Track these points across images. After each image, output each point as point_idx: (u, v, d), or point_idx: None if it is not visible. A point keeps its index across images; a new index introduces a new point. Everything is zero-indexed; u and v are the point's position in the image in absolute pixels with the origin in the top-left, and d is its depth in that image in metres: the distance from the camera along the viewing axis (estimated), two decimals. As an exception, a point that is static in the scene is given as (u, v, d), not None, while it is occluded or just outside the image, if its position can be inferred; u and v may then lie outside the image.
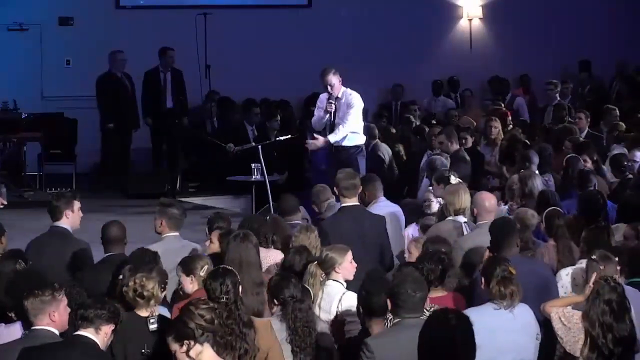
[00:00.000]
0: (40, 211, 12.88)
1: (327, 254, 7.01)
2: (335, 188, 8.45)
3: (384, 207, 9.21)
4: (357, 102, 11.04)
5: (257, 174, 10.88)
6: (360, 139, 11.12)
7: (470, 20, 18.35)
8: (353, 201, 8.24)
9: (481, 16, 18.34)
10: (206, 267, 6.78)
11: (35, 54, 16.64)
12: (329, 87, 10.88)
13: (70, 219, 7.96)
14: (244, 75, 16.31)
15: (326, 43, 17.10)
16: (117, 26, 16.58)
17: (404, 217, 9.44)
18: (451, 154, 11.49)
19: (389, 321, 5.81)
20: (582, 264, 6.97)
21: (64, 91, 16.33)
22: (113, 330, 5.59)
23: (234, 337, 5.58)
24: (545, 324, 6.37)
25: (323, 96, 11.08)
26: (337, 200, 9.79)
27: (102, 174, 15.39)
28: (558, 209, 8.21)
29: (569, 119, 13.22)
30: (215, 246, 7.63)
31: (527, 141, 12.21)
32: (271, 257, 7.70)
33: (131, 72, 15.27)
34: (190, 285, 6.81)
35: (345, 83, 11.09)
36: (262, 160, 11.08)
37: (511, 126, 13.46)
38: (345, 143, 10.97)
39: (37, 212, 12.87)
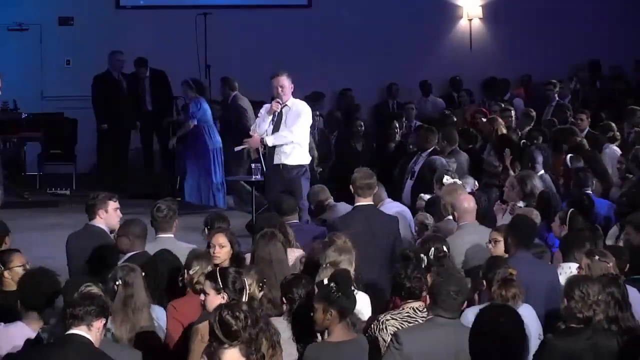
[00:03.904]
0: (40, 211, 13.02)
1: (344, 258, 6.86)
2: (350, 187, 8.29)
3: (389, 208, 9.20)
4: (307, 113, 10.43)
5: (257, 174, 10.83)
6: (304, 158, 10.45)
7: (470, 20, 18.33)
8: (367, 201, 8.19)
9: (481, 16, 18.33)
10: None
11: (35, 54, 16.66)
12: (279, 89, 10.22)
13: (105, 219, 7.98)
14: (244, 75, 16.27)
15: (326, 43, 17.11)
16: (117, 26, 16.59)
17: (411, 217, 9.44)
18: (447, 153, 11.48)
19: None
20: (564, 267, 7.01)
21: (64, 91, 16.34)
22: (104, 325, 5.39)
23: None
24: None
25: (267, 105, 10.48)
26: (337, 200, 9.85)
27: (101, 173, 15.39)
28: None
29: (572, 119, 13.22)
30: (227, 249, 7.21)
31: (525, 141, 12.19)
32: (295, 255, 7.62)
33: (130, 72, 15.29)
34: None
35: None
36: (262, 160, 11.06)
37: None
38: (289, 162, 10.32)
39: (37, 212, 12.96)
